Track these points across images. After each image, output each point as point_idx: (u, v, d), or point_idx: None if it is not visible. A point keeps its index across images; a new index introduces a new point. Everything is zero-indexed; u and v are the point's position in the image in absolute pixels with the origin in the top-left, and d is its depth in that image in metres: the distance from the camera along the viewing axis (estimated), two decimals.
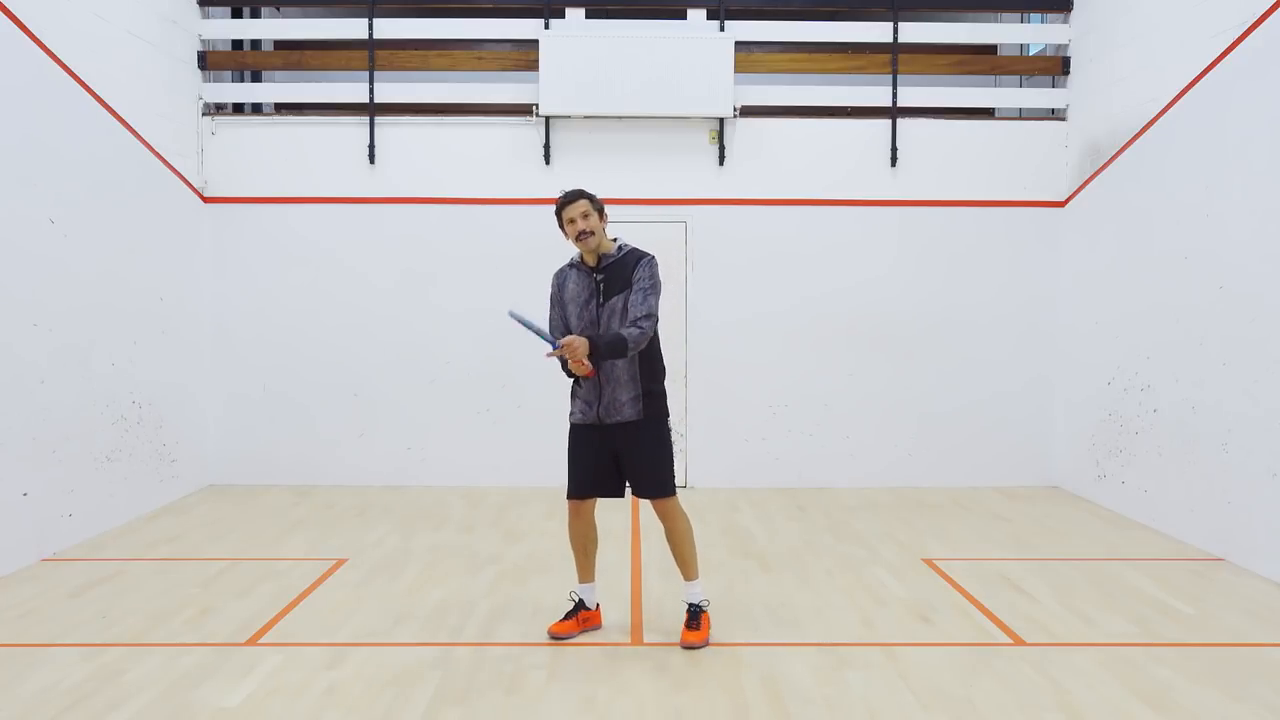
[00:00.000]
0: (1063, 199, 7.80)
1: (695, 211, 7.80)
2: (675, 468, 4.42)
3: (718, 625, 4.49)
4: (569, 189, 4.34)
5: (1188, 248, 6.10)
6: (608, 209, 4.40)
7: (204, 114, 7.75)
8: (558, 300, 4.40)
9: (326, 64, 8.03)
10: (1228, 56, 5.80)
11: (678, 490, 4.40)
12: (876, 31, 7.88)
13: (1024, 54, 8.72)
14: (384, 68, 7.84)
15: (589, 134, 7.81)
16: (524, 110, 7.77)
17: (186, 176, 7.46)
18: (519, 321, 4.12)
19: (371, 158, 7.77)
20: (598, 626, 4.51)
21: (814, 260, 7.82)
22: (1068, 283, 7.69)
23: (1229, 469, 5.68)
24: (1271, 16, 5.46)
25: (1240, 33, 5.70)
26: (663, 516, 4.34)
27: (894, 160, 7.83)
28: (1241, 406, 5.57)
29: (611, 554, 5.60)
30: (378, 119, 7.80)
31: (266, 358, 7.77)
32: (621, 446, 4.30)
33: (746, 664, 4.07)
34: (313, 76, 8.44)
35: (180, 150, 7.41)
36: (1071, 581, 5.26)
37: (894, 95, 7.83)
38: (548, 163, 7.78)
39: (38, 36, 5.73)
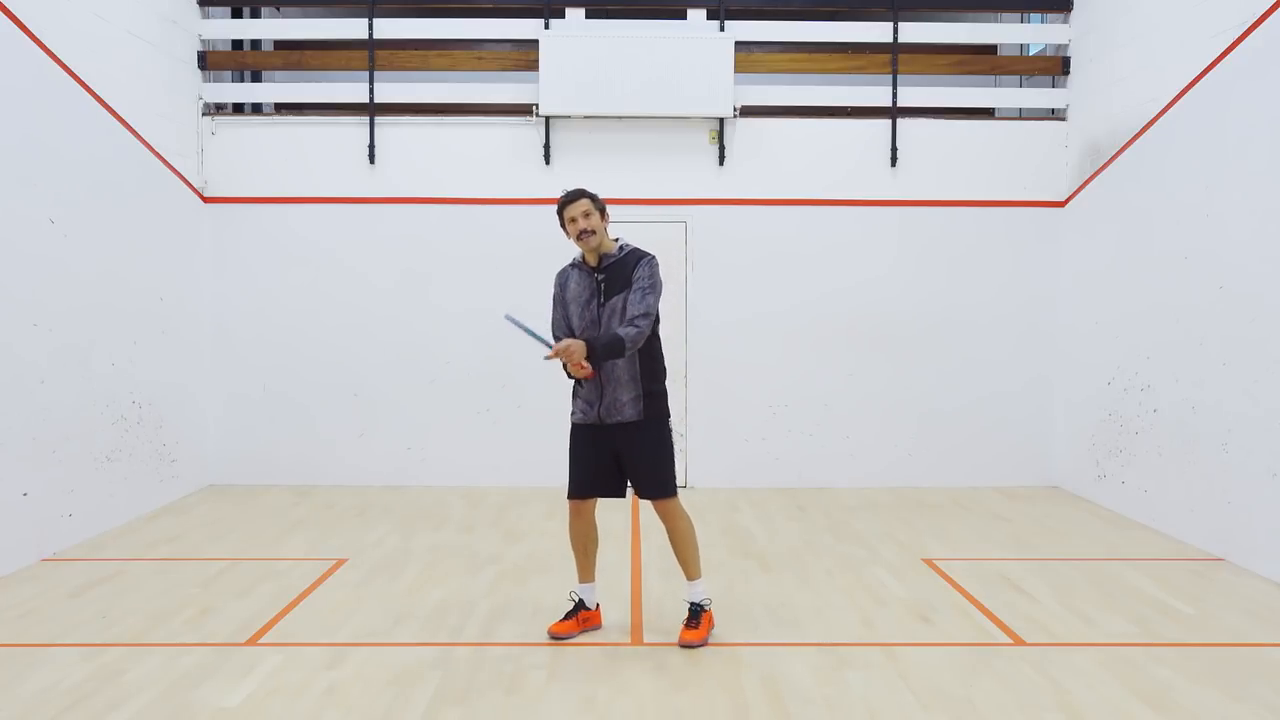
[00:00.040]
0: (1063, 199, 7.80)
1: (695, 211, 7.81)
2: (676, 468, 4.42)
3: (718, 625, 4.49)
4: (570, 188, 4.34)
5: (1188, 248, 6.10)
6: (608, 209, 4.40)
7: (204, 114, 7.75)
8: (560, 300, 4.41)
9: (326, 64, 8.03)
10: (1228, 56, 5.80)
11: (678, 490, 4.40)
12: (876, 31, 7.88)
13: (1024, 54, 8.72)
14: (384, 68, 7.84)
15: (589, 134, 7.81)
16: (524, 110, 7.77)
17: (186, 176, 7.46)
18: (515, 325, 4.12)
19: (371, 158, 7.77)
20: (598, 626, 4.51)
21: (814, 260, 7.82)
22: (1068, 283, 7.69)
23: (1229, 469, 5.68)
24: (1271, 16, 5.46)
25: (1240, 33, 5.70)
26: (664, 517, 4.34)
27: (894, 160, 7.83)
28: (1241, 406, 5.57)
29: (611, 554, 5.60)
30: (378, 119, 7.80)
31: (266, 358, 7.77)
32: (622, 447, 4.30)
33: (746, 664, 4.07)
34: (313, 76, 8.44)
35: (180, 150, 7.41)
36: (1071, 581, 5.26)
37: (894, 95, 7.83)
38: (548, 163, 7.78)
39: (38, 36, 5.73)
